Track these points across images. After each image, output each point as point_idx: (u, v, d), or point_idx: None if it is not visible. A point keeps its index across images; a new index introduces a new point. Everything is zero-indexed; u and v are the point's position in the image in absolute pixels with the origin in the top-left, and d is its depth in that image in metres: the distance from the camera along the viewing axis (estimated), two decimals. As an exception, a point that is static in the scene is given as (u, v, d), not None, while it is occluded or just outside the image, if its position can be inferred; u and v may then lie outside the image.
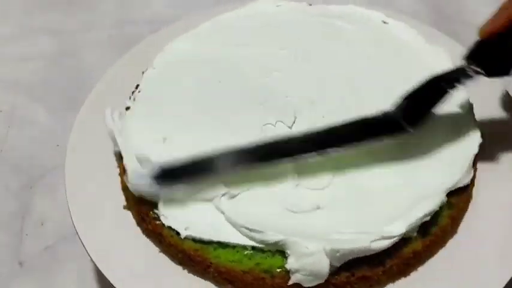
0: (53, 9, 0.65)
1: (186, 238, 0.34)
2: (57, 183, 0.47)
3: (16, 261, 0.44)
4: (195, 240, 0.34)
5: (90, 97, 0.44)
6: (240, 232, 0.33)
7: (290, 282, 0.32)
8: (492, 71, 0.36)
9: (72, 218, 0.37)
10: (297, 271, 0.32)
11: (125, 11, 0.65)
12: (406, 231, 0.33)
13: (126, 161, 0.37)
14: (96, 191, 0.38)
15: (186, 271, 0.35)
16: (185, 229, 0.34)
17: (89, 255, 0.35)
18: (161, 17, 0.63)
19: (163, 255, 0.35)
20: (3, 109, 0.55)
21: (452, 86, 0.36)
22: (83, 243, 0.35)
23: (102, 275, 0.34)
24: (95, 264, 0.35)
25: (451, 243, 0.36)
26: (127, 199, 0.38)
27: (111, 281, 0.34)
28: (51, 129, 0.53)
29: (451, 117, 0.39)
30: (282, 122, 0.39)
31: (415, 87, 0.37)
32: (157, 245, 0.36)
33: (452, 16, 0.62)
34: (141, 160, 0.36)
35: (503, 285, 0.33)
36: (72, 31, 0.63)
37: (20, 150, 0.51)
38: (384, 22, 0.47)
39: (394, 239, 0.32)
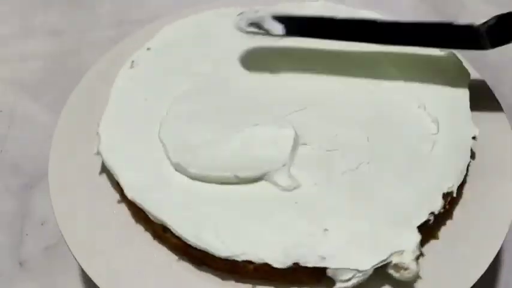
0: (53, 9, 0.65)
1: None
2: (57, 183, 0.47)
3: (16, 261, 0.44)
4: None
5: (73, 96, 0.44)
6: None
7: None
8: None
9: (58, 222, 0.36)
10: None
11: (124, 11, 0.65)
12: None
13: None
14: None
15: (183, 263, 0.35)
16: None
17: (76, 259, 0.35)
18: (161, 17, 0.63)
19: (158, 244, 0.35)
20: (3, 109, 0.55)
21: None
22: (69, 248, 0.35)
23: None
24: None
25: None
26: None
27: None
28: (51, 129, 0.52)
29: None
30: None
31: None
32: (152, 234, 0.36)
33: (452, 16, 0.62)
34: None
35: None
36: (72, 31, 0.63)
37: (20, 150, 0.51)
38: None
39: None
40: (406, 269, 0.32)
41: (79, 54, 0.60)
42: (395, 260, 0.32)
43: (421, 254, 0.33)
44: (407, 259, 0.32)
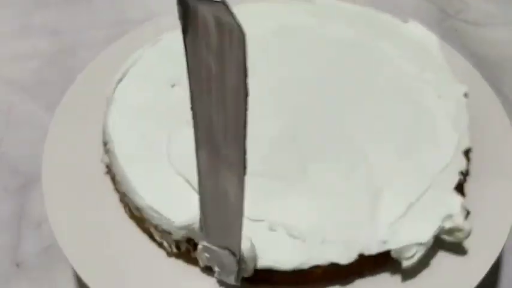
0: (52, 9, 0.65)
1: None
2: (54, 184, 0.47)
3: (13, 262, 0.43)
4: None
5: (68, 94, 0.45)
6: None
7: None
8: None
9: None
10: None
11: (123, 11, 0.65)
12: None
13: None
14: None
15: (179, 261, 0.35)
16: None
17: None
18: (161, 17, 0.62)
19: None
20: (1, 109, 0.54)
21: None
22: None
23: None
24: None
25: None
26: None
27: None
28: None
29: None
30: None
31: None
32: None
33: (454, 14, 0.62)
34: None
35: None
36: (71, 31, 0.63)
37: (17, 151, 0.51)
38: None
39: None
40: (459, 230, 0.33)
41: (77, 54, 0.60)
42: (447, 224, 0.33)
43: (468, 212, 0.34)
44: (459, 220, 0.33)
